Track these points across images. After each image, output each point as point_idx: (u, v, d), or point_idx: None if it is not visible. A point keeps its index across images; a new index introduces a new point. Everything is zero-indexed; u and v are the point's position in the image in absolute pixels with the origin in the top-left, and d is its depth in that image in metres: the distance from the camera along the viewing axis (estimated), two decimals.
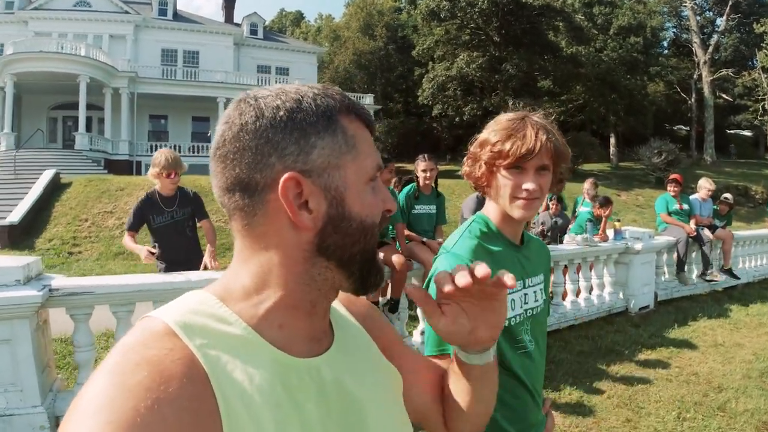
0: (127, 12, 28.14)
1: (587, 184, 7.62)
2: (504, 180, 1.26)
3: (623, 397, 3.82)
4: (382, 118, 39.24)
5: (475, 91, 31.95)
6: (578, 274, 5.95)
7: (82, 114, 22.66)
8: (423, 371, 0.87)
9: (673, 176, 7.31)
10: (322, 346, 0.68)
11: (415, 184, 4.85)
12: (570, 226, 7.16)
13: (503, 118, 1.29)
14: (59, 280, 3.26)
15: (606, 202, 6.58)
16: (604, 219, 6.43)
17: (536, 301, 1.36)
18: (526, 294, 1.33)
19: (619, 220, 6.87)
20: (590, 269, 6.01)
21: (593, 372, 4.33)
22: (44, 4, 27.13)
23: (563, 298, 5.76)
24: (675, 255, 7.10)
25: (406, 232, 4.68)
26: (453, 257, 1.26)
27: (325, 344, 0.68)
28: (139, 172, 22.94)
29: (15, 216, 11.93)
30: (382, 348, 0.80)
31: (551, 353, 4.67)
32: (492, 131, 1.28)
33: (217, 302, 0.61)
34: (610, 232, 6.40)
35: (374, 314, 0.85)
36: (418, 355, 0.91)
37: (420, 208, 4.84)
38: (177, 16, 30.79)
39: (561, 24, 30.52)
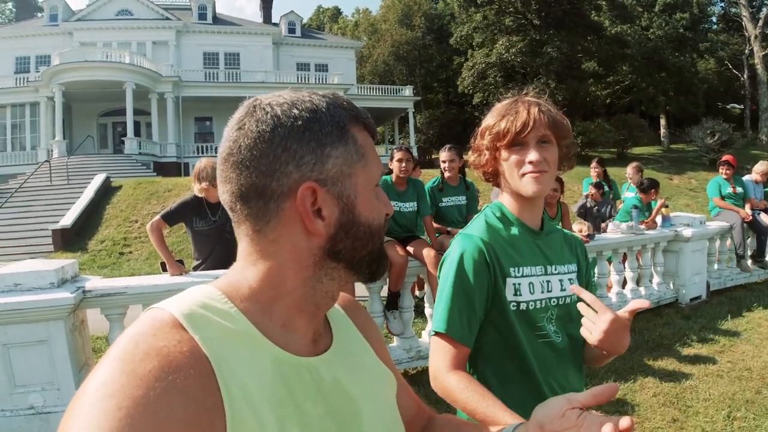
0: (168, 18, 28.93)
1: (630, 169, 7.28)
2: (508, 160, 1.26)
3: (670, 395, 3.61)
4: (422, 109, 39.01)
5: (516, 77, 31.23)
6: (624, 264, 5.70)
7: (129, 119, 23.49)
8: (401, 388, 0.85)
9: (724, 158, 6.90)
10: (320, 346, 0.69)
11: (439, 176, 4.74)
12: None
13: (498, 105, 1.31)
14: (93, 282, 3.35)
15: (650, 186, 6.25)
16: (658, 204, 6.09)
17: (563, 290, 1.32)
18: (549, 281, 1.30)
19: (667, 206, 6.53)
20: (637, 259, 5.75)
21: (638, 368, 4.11)
22: (87, 15, 28.29)
23: (608, 290, 5.53)
24: (728, 242, 6.71)
25: (436, 225, 4.57)
26: (465, 237, 1.29)
27: (324, 344, 0.70)
28: (186, 174, 23.60)
29: (67, 220, 12.51)
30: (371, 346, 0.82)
31: None
32: (488, 117, 1.31)
33: (223, 298, 0.62)
34: (658, 219, 6.09)
35: (357, 307, 0.87)
36: (398, 371, 0.88)
37: (447, 200, 4.72)
38: (216, 20, 31.43)
39: (603, 3, 29.43)
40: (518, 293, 1.25)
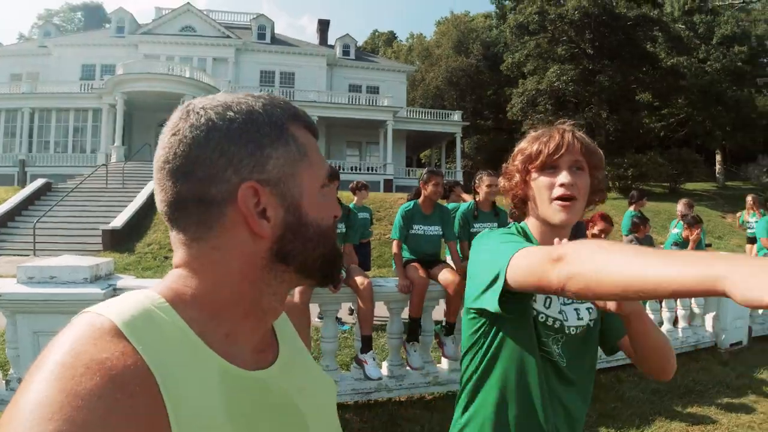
0: (228, 36, 30.23)
1: (680, 205, 7.04)
2: (538, 182, 1.23)
3: None
4: (471, 135, 38.95)
5: (568, 106, 30.82)
6: (660, 303, 5.48)
7: None
8: None
9: None
10: (267, 358, 0.67)
11: (473, 202, 4.70)
12: None
13: (533, 132, 1.30)
14: (125, 281, 3.49)
15: (694, 222, 6.02)
16: (692, 241, 5.87)
17: (580, 319, 1.26)
18: (562, 310, 1.24)
19: (709, 245, 6.30)
20: (675, 299, 5.52)
21: (666, 414, 3.93)
22: (153, 29, 29.90)
23: None
24: None
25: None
26: (498, 231, 1.26)
27: (270, 356, 0.68)
28: None
29: (118, 221, 13.11)
30: None
31: (620, 389, 4.33)
32: (522, 142, 1.30)
33: (167, 306, 0.58)
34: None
35: (293, 305, 0.85)
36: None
37: (479, 226, 4.66)
38: (274, 40, 32.64)
39: (659, 34, 28.79)
40: (534, 298, 1.22)
